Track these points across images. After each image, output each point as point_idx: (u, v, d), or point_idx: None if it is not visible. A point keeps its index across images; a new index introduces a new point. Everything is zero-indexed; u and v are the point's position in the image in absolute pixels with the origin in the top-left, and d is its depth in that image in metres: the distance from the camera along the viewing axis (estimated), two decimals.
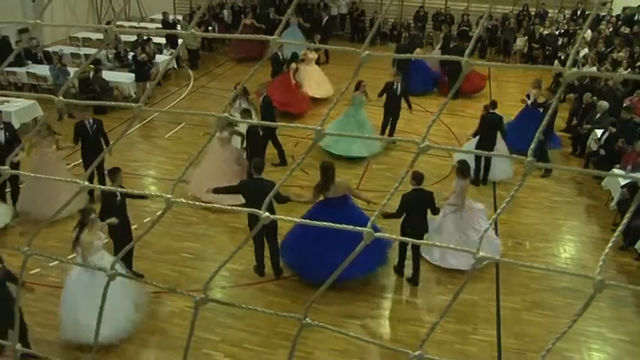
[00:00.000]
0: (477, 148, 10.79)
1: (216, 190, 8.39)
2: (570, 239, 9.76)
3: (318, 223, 1.40)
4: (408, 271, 8.36)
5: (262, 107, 10.98)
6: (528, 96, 12.34)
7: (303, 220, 1.22)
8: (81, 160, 10.38)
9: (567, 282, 8.28)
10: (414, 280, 8.32)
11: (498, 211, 1.35)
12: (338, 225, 1.34)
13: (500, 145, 10.98)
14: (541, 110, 11.91)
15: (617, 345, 7.36)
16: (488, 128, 10.89)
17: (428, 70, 16.41)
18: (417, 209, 7.97)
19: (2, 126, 9.13)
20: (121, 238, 7.67)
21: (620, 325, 7.62)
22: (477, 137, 11.01)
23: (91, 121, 9.76)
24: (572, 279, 8.28)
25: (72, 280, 6.99)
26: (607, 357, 7.20)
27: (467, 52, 1.32)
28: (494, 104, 11.09)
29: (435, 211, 8.24)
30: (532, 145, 1.26)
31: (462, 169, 8.66)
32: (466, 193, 8.76)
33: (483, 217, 8.78)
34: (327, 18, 21.06)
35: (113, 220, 7.46)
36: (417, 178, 8.01)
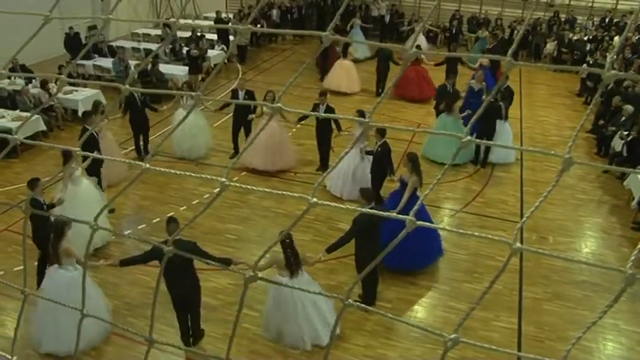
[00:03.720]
0: (478, 133, 10.79)
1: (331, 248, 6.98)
2: (592, 235, 9.54)
3: (365, 209, 1.38)
4: None
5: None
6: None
7: (359, 209, 1.20)
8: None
9: (587, 275, 8.11)
10: None
11: (532, 209, 1.30)
12: (382, 213, 1.32)
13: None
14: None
15: (631, 336, 7.19)
16: (488, 115, 10.83)
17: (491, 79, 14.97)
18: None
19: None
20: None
21: (634, 318, 7.44)
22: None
23: (140, 94, 10.52)
24: (591, 273, 8.11)
25: (49, 285, 6.45)
26: (621, 347, 7.04)
27: (509, 52, 1.27)
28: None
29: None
30: (570, 143, 1.22)
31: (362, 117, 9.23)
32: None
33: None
34: (388, 19, 21.06)
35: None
36: (381, 131, 8.92)
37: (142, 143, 11.22)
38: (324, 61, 16.35)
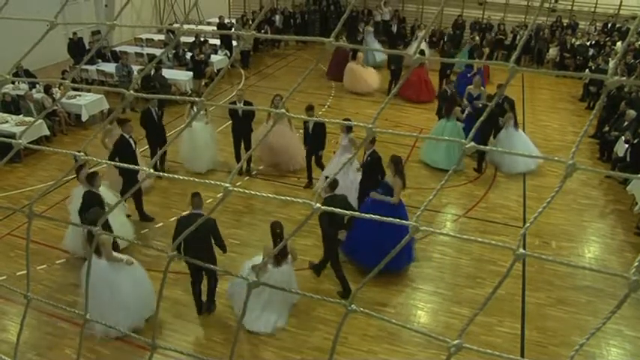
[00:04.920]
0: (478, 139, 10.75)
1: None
2: (595, 240, 9.51)
3: (367, 215, 1.38)
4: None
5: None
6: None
7: (361, 214, 1.22)
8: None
9: (590, 281, 8.09)
10: None
11: (535, 214, 1.30)
12: (384, 218, 1.32)
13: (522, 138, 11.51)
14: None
15: (635, 342, 7.16)
16: (485, 121, 10.76)
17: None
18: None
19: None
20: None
21: (638, 324, 7.40)
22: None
23: (157, 109, 10.43)
24: (595, 278, 8.08)
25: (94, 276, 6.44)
26: (625, 353, 7.01)
27: (513, 58, 1.28)
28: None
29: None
30: (573, 149, 1.22)
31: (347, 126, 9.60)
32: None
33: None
34: (396, 28, 21.21)
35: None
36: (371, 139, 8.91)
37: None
38: (337, 67, 16.85)
